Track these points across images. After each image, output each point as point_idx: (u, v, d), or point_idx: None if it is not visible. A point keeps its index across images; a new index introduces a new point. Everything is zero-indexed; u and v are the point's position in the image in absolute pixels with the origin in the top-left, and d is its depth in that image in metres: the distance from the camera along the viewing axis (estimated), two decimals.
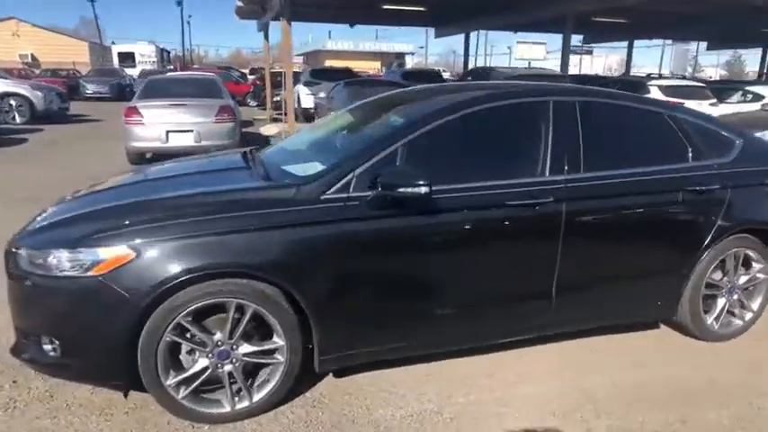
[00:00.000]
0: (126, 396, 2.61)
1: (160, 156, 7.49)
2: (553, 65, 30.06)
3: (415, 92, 3.76)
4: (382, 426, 2.51)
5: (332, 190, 2.49)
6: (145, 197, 2.71)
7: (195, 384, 2.44)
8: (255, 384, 2.54)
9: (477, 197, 2.65)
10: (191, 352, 2.45)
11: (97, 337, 2.32)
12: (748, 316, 3.40)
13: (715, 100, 12.02)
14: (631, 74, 27.46)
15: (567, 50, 15.96)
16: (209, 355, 2.43)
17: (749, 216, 3.23)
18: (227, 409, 2.48)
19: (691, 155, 3.16)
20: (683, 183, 3.06)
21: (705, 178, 3.11)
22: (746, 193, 3.22)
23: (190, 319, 2.35)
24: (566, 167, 2.84)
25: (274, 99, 16.54)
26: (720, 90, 13.20)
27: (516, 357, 3.07)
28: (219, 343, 2.43)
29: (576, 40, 25.02)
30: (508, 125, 2.93)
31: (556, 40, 21.70)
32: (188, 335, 2.40)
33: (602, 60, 56.53)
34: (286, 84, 11.33)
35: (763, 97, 12.44)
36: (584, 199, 2.84)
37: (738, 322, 3.39)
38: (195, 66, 38.48)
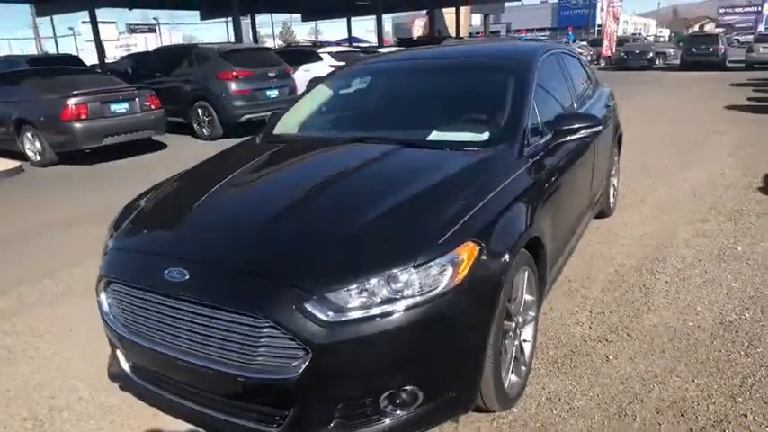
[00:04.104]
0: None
1: None
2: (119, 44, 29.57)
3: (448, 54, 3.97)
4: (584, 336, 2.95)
5: (527, 147, 2.65)
6: (402, 195, 2.21)
7: (511, 368, 2.32)
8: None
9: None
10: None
11: (461, 358, 1.96)
12: (614, 191, 5.04)
13: None
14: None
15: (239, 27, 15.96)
16: (512, 334, 2.34)
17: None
18: (519, 379, 2.44)
19: (592, 89, 4.42)
20: (608, 105, 4.32)
21: (608, 101, 4.44)
22: (614, 115, 4.71)
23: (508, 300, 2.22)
24: (577, 103, 3.66)
25: None
26: (369, 53, 15.85)
27: None
28: (514, 317, 2.36)
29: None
30: (555, 73, 3.50)
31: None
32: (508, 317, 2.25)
33: (168, 37, 59.86)
34: None
35: None
36: None
37: (613, 200, 5.00)
38: None
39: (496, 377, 2.13)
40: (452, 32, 29.91)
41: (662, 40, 48.02)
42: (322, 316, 1.75)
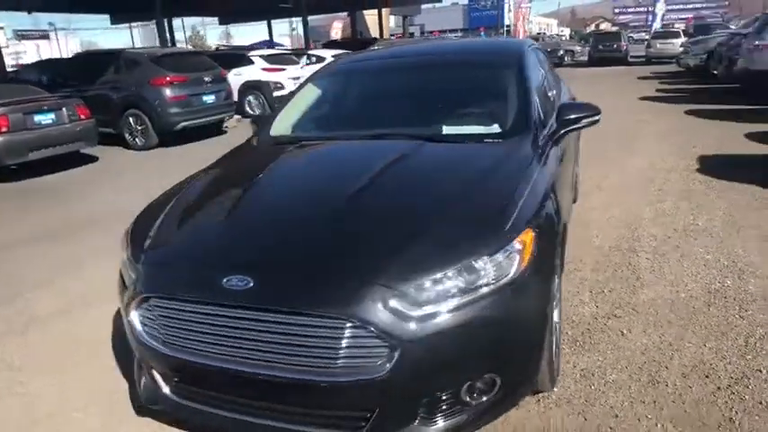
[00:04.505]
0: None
1: None
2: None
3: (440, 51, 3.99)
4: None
5: (539, 138, 2.75)
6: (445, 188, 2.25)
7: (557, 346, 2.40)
8: None
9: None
10: None
11: (530, 342, 2.01)
12: (577, 178, 5.34)
13: (303, 64, 14.36)
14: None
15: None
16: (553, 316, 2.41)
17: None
18: (556, 359, 2.51)
19: (557, 82, 4.65)
20: (571, 96, 4.56)
21: (569, 92, 4.69)
22: None
23: None
24: (554, 93, 3.84)
25: None
26: (299, 55, 15.65)
27: None
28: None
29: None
30: (536, 66, 3.62)
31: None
32: None
33: (64, 43, 58.48)
34: None
35: (323, 58, 15.59)
36: None
37: (577, 186, 5.28)
38: None
39: (550, 358, 2.20)
40: (374, 34, 30.22)
41: (563, 38, 51.16)
42: (406, 311, 1.73)
